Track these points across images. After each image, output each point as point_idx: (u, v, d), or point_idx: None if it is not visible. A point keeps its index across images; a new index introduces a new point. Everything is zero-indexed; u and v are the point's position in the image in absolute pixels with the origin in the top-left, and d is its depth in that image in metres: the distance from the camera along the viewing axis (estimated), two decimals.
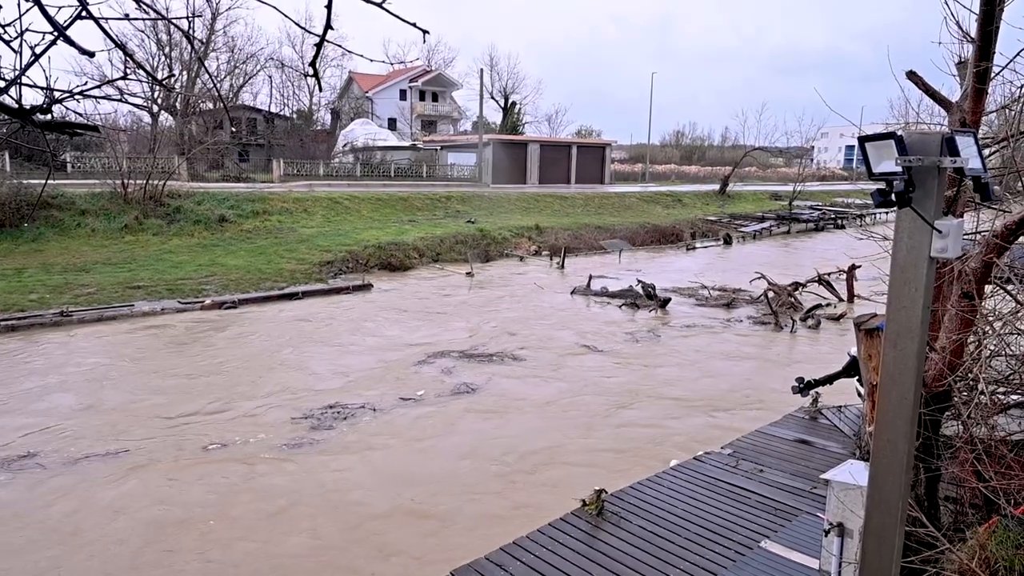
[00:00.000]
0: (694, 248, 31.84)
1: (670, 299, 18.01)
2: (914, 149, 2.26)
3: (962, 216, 4.24)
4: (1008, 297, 4.82)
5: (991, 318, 4.85)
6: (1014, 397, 5.10)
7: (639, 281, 19.09)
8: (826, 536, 4.21)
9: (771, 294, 18.35)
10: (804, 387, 9.41)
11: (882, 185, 2.32)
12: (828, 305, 17.71)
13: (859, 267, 18.80)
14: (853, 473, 4.06)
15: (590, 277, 21.07)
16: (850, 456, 7.41)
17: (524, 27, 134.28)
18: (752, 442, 8.40)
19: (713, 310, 18.05)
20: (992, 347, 4.90)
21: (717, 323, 16.75)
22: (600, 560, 5.66)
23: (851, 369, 8.81)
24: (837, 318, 16.66)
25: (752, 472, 7.45)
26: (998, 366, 5.01)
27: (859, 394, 8.34)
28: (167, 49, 43.06)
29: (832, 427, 8.94)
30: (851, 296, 19.14)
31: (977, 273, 3.98)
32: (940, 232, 2.25)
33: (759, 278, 19.32)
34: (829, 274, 19.88)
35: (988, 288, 4.62)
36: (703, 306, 18.45)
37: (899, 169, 2.26)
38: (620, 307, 18.12)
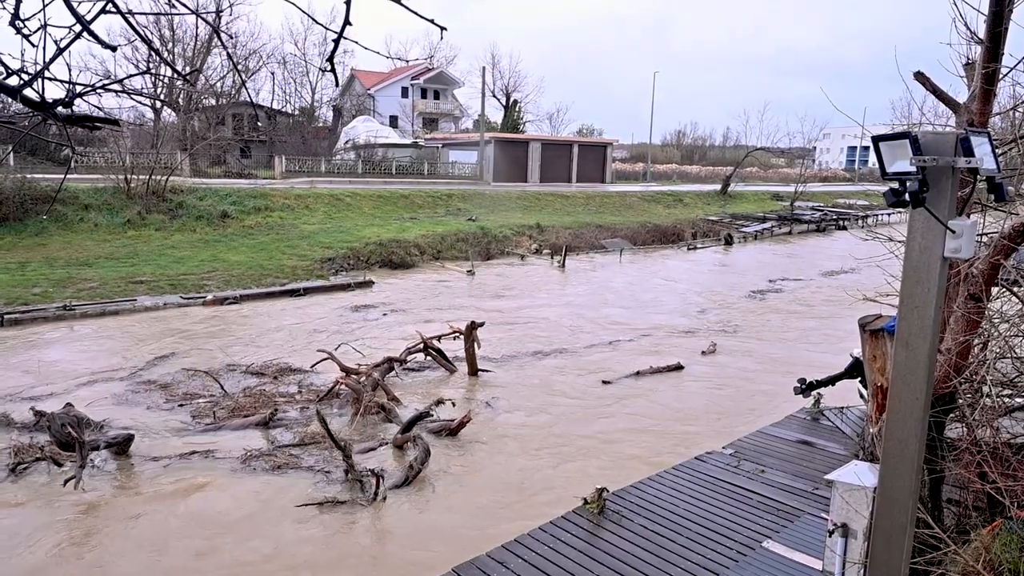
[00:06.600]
0: (695, 248, 31.83)
1: (132, 437, 8.46)
2: (928, 149, 2.26)
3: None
4: (1014, 299, 4.83)
5: (997, 320, 4.86)
6: (1019, 400, 5.11)
7: (37, 414, 8.96)
8: (830, 536, 4.22)
9: (344, 388, 10.25)
10: (806, 388, 9.40)
11: (895, 184, 2.32)
12: (440, 403, 9.49)
13: (481, 325, 12.04)
14: (858, 474, 4.07)
15: None
16: (852, 457, 7.41)
17: (526, 25, 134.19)
18: (753, 442, 8.41)
19: (227, 440, 8.90)
20: (997, 350, 4.91)
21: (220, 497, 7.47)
22: (601, 559, 5.67)
23: (853, 370, 8.81)
24: (455, 431, 9.24)
25: (754, 472, 7.46)
26: (1003, 368, 5.03)
27: (861, 396, 8.35)
28: (170, 44, 43.14)
29: (834, 428, 8.95)
30: (473, 367, 11.92)
31: (984, 275, 3.98)
32: (954, 232, 2.25)
33: (327, 359, 11.16)
34: (439, 337, 12.49)
35: (994, 290, 4.63)
36: (212, 430, 9.26)
37: (913, 169, 2.26)
38: (13, 470, 7.76)
